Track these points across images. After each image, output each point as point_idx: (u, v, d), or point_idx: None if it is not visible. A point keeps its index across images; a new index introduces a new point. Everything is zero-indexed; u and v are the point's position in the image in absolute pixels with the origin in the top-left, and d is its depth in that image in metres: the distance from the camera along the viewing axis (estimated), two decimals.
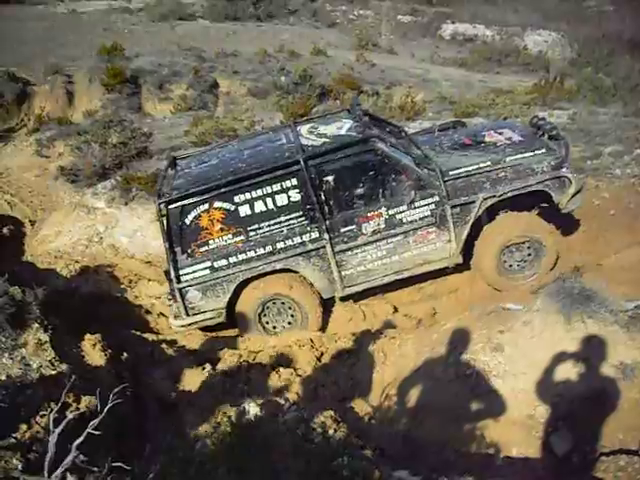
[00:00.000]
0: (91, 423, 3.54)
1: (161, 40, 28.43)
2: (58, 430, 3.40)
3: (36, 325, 5.69)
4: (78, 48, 25.07)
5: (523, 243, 7.85)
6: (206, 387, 6.23)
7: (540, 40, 38.41)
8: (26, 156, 15.40)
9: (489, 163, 7.71)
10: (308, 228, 7.55)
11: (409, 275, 7.95)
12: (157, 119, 18.86)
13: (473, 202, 7.64)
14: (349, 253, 7.68)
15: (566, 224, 8.58)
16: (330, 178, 7.47)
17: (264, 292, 7.77)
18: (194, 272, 7.59)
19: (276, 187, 7.44)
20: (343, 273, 7.75)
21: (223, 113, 17.94)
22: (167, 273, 7.68)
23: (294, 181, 7.42)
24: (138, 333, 7.85)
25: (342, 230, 7.59)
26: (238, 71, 22.83)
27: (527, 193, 7.80)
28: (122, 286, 9.46)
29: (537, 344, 5.34)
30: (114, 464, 3.40)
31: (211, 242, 7.57)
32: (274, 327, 7.96)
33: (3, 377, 4.83)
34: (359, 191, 7.54)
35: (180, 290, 7.60)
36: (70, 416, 3.54)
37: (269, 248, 7.57)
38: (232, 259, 7.58)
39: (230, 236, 7.56)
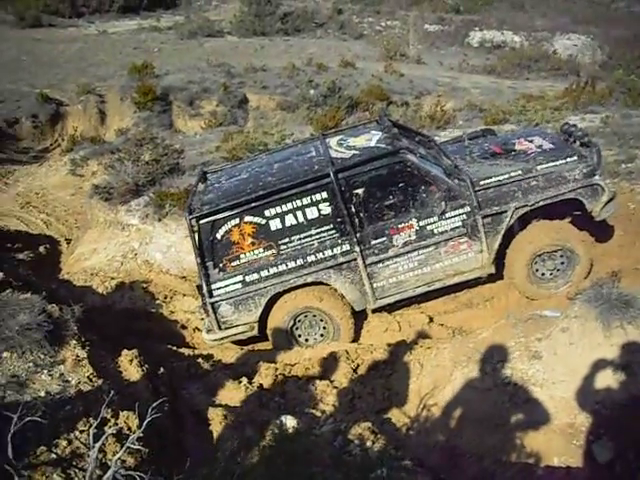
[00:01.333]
0: (130, 438, 3.57)
1: (190, 57, 28.77)
2: (98, 445, 3.42)
3: (74, 342, 5.75)
4: (109, 68, 25.49)
5: (555, 252, 7.75)
6: (243, 401, 6.23)
7: (570, 44, 38.13)
8: (60, 175, 15.67)
9: (520, 172, 7.64)
10: (339, 241, 7.56)
11: (441, 286, 7.90)
12: (188, 135, 19.06)
13: (505, 212, 7.59)
14: (380, 265, 7.66)
15: (602, 229, 8.46)
16: (360, 190, 7.47)
17: (295, 305, 7.78)
18: (226, 286, 7.64)
19: (306, 200, 7.47)
20: (375, 285, 7.73)
21: (253, 128, 18.07)
22: (199, 288, 7.73)
23: (324, 194, 7.44)
24: (174, 348, 7.91)
25: (373, 242, 7.58)
26: (267, 86, 23.01)
27: (560, 201, 7.71)
28: (157, 301, 9.53)
29: (576, 351, 5.26)
30: (154, 477, 3.41)
31: (242, 256, 7.61)
32: (306, 340, 7.96)
33: (42, 393, 4.88)
34: (389, 203, 7.53)
35: (212, 304, 7.66)
36: (109, 431, 3.56)
37: (300, 261, 7.59)
38: (263, 273, 7.62)
39: (261, 250, 7.60)
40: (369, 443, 4.97)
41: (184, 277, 10.17)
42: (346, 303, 7.84)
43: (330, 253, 7.58)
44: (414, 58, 34.18)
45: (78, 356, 5.57)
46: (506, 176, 7.63)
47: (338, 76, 23.16)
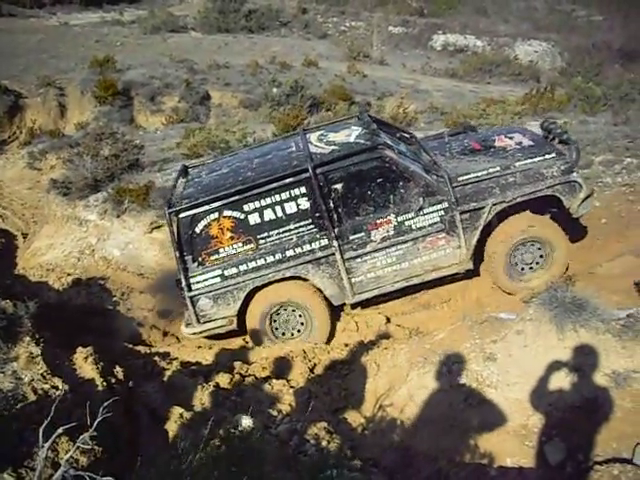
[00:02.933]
0: (81, 437, 3.52)
1: (153, 52, 28.52)
2: (47, 445, 3.37)
3: (27, 338, 5.67)
4: (70, 61, 25.13)
5: (533, 244, 7.85)
6: (199, 399, 6.19)
7: (530, 50, 38.68)
8: (18, 169, 15.41)
9: (498, 168, 7.72)
10: (317, 236, 7.59)
11: (419, 281, 7.94)
12: (149, 131, 18.93)
13: (482, 208, 7.64)
14: (358, 260, 7.69)
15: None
16: (339, 186, 7.51)
17: (272, 299, 7.81)
18: (205, 280, 7.63)
19: (285, 195, 7.49)
20: (353, 280, 7.76)
21: (215, 125, 17.98)
22: (178, 282, 7.70)
23: (303, 189, 7.47)
24: (130, 346, 7.83)
25: (351, 237, 7.61)
26: (230, 83, 22.93)
27: (538, 198, 7.81)
28: (114, 299, 9.43)
29: (530, 353, 5.34)
30: (104, 478, 3.37)
31: (221, 250, 7.62)
32: (283, 334, 7.98)
33: None
34: (368, 198, 7.58)
35: (191, 298, 7.64)
36: (59, 430, 3.51)
37: (279, 256, 7.60)
38: (242, 267, 7.62)
39: (240, 244, 7.61)
40: (325, 443, 4.98)
41: (142, 274, 10.08)
42: (324, 298, 7.86)
43: (308, 248, 7.60)
44: (377, 59, 34.36)
45: (32, 353, 5.48)
46: (484, 172, 7.70)
47: (301, 75, 23.17)
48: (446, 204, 7.57)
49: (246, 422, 5.30)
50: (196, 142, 13.97)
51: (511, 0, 50.71)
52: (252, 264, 7.61)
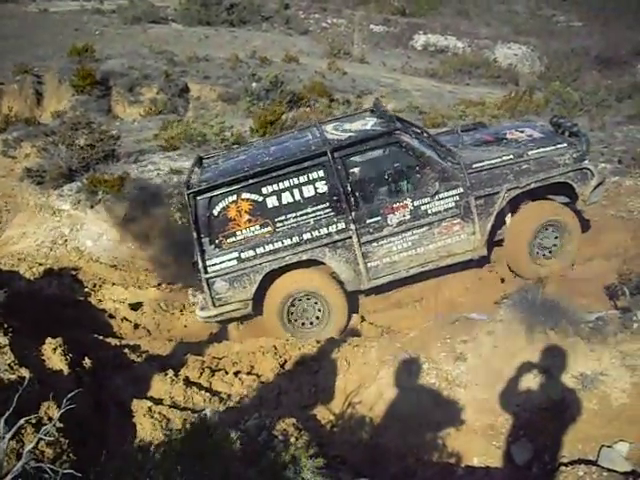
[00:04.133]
0: (43, 428, 3.48)
1: (133, 43, 28.28)
2: (9, 436, 3.33)
3: None
4: (48, 48, 24.85)
5: (550, 228, 8.09)
6: (168, 393, 6.16)
7: (510, 53, 38.93)
8: None
9: (512, 156, 7.92)
10: (334, 219, 7.66)
11: (434, 267, 8.03)
12: (126, 122, 18.77)
13: (497, 193, 7.81)
14: (375, 244, 7.77)
15: None
16: (356, 170, 7.66)
17: (291, 288, 7.83)
18: (222, 262, 7.64)
19: (303, 178, 7.58)
20: (369, 265, 7.82)
21: (193, 118, 17.87)
22: (194, 264, 7.72)
23: (321, 172, 7.58)
24: (101, 337, 7.77)
25: (368, 221, 7.70)
26: (209, 76, 22.81)
27: (548, 187, 8.03)
28: (86, 290, 9.36)
29: (499, 354, 5.38)
30: (66, 471, 3.34)
31: (238, 233, 7.65)
32: (302, 324, 8.00)
33: None
34: (384, 182, 7.73)
35: (207, 280, 7.61)
36: (21, 421, 3.47)
37: (296, 239, 7.64)
38: (259, 250, 7.64)
39: (257, 227, 7.65)
40: (293, 439, 4.96)
41: (114, 266, 10.01)
42: (340, 286, 7.92)
43: (325, 231, 7.66)
44: (358, 57, 34.33)
45: None
46: (498, 160, 7.88)
47: (281, 70, 23.07)
48: (461, 189, 7.75)
49: (214, 416, 5.28)
50: (173, 134, 13.86)
51: (492, 3, 51.02)
52: (269, 247, 7.64)
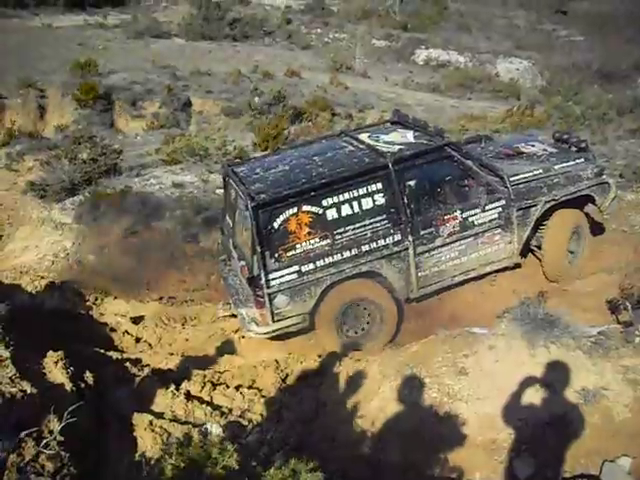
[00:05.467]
0: (44, 442, 3.48)
1: (136, 57, 28.44)
2: (10, 449, 3.33)
3: None
4: (52, 63, 25.01)
5: (575, 235, 8.55)
6: (169, 407, 6.15)
7: (511, 67, 39.03)
8: None
9: (541, 171, 8.34)
10: (392, 231, 7.69)
11: (475, 275, 8.26)
12: (129, 136, 18.84)
13: (536, 205, 8.16)
14: (427, 255, 7.89)
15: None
16: (412, 182, 7.75)
17: (345, 297, 7.77)
18: (282, 276, 7.50)
19: (362, 191, 7.58)
20: (419, 274, 7.92)
21: (195, 132, 17.94)
22: (251, 279, 7.51)
23: (379, 185, 7.60)
24: (102, 351, 7.75)
25: (422, 232, 7.80)
26: (212, 90, 22.93)
27: (569, 200, 8.41)
28: (87, 303, 9.35)
29: (501, 368, 5.37)
30: None
31: (298, 246, 7.53)
32: (355, 332, 7.92)
33: None
34: (437, 195, 7.91)
35: (269, 295, 7.47)
36: (22, 434, 3.47)
37: (355, 251, 7.61)
38: (319, 263, 7.56)
39: (317, 239, 7.56)
40: (293, 454, 4.95)
41: (116, 279, 9.99)
42: (392, 294, 7.93)
43: (383, 243, 7.68)
44: (360, 72, 34.48)
45: (1, 356, 5.41)
46: (531, 174, 8.27)
47: (283, 85, 23.19)
48: (504, 201, 8.02)
49: (216, 431, 5.28)
50: (176, 148, 13.92)
51: (493, 18, 51.24)
52: (329, 259, 7.58)
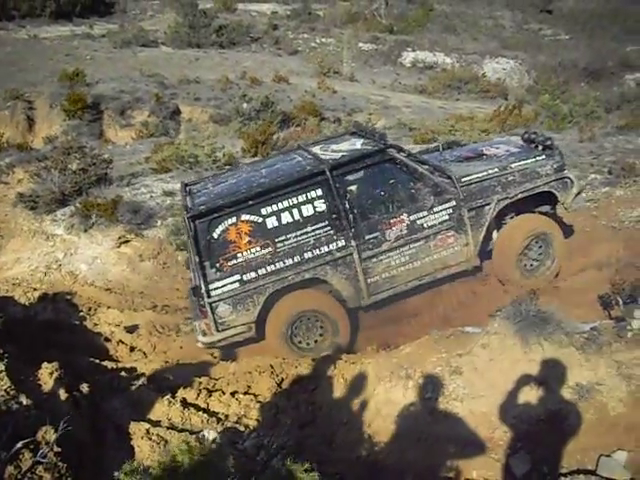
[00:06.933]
0: (40, 452, 3.48)
1: (123, 66, 28.47)
2: (6, 460, 3.33)
3: None
4: (39, 74, 25.02)
5: (537, 240, 8.30)
6: (165, 415, 6.15)
7: (498, 67, 39.23)
8: None
9: (497, 169, 8.19)
10: (334, 237, 7.69)
11: (431, 280, 8.15)
12: (118, 145, 18.85)
13: (488, 204, 8.04)
14: (374, 260, 7.83)
15: None
16: (353, 187, 7.76)
17: (293, 308, 7.77)
18: (224, 286, 7.56)
19: (302, 198, 7.63)
20: (369, 281, 7.87)
21: (185, 139, 17.95)
22: (195, 289, 7.62)
23: (319, 191, 7.64)
24: (97, 361, 7.75)
25: (367, 237, 7.76)
26: (200, 98, 22.98)
27: (530, 198, 8.31)
28: (81, 314, 9.33)
29: (495, 367, 5.39)
30: None
31: (239, 255, 7.60)
32: (307, 344, 7.92)
33: None
34: (381, 199, 7.85)
35: (210, 305, 7.53)
36: (19, 444, 3.47)
37: (297, 258, 7.63)
38: (261, 271, 7.60)
39: (258, 248, 7.62)
40: (291, 458, 4.96)
41: (109, 289, 10.00)
42: (343, 304, 7.92)
43: (326, 249, 7.68)
44: (347, 76, 34.58)
45: None
46: (484, 173, 8.13)
47: (272, 91, 23.28)
48: (454, 202, 7.95)
49: (212, 437, 5.28)
50: (165, 157, 13.93)
51: (479, 18, 51.49)
52: (271, 267, 7.61)
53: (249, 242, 7.60)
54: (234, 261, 7.60)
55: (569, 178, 8.39)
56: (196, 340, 7.96)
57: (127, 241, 10.77)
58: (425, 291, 8.36)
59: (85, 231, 11.10)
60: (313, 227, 7.67)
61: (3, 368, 5.47)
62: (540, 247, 8.33)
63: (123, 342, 8.69)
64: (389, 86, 33.26)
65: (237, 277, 7.58)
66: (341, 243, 7.69)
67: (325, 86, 27.35)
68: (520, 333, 5.39)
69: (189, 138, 18.28)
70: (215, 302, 7.56)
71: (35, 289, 9.97)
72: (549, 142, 8.66)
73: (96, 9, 46.65)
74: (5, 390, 5.20)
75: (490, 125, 17.22)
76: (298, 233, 7.65)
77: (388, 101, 26.80)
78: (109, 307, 9.51)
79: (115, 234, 10.88)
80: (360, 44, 42.99)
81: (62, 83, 22.23)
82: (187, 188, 8.56)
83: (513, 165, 8.26)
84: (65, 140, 15.62)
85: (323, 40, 44.42)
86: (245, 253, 7.61)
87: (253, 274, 7.59)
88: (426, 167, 8.15)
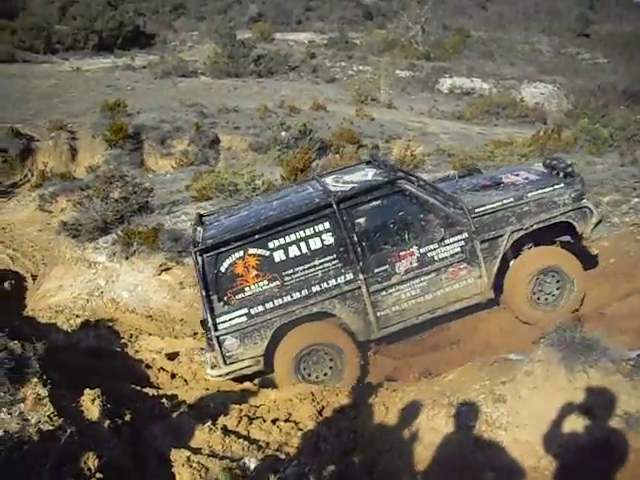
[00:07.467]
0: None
1: (163, 97, 28.95)
2: None
3: (35, 380, 5.64)
4: (82, 105, 25.55)
5: (551, 275, 7.99)
6: (206, 442, 6.14)
7: (536, 92, 39.09)
8: (29, 211, 15.58)
9: (512, 199, 7.93)
10: (342, 270, 7.64)
11: (443, 313, 7.99)
12: (159, 174, 19.11)
13: (501, 236, 7.81)
14: (384, 293, 7.73)
15: None
16: (361, 220, 7.67)
17: (302, 341, 7.74)
18: (231, 319, 7.58)
19: (309, 231, 7.59)
20: (378, 314, 7.76)
21: (224, 168, 18.14)
22: (203, 322, 7.69)
23: (327, 224, 7.60)
24: (138, 388, 7.79)
25: (376, 270, 7.67)
26: (239, 126, 23.21)
27: (550, 228, 8.04)
28: (122, 341, 9.42)
29: (539, 395, 5.29)
30: None
31: (247, 289, 7.61)
32: (317, 377, 7.86)
33: (0, 432, 4.78)
34: (390, 231, 7.72)
35: (218, 338, 7.56)
36: (62, 472, 3.49)
37: (305, 292, 7.61)
38: (268, 305, 7.59)
39: (266, 282, 7.61)
40: None
41: (150, 316, 10.09)
42: (352, 336, 7.83)
43: (334, 282, 7.62)
44: (385, 103, 34.73)
45: (39, 394, 5.46)
46: (499, 203, 7.90)
47: (310, 119, 23.41)
48: (466, 234, 7.75)
49: (253, 465, 5.26)
50: (205, 185, 14.07)
51: (516, 44, 51.49)
52: (278, 301, 7.59)
53: (256, 275, 7.60)
54: (241, 294, 7.61)
55: (588, 208, 8.08)
56: (206, 372, 8.01)
57: (168, 269, 10.87)
58: (466, 317, 8.27)
59: (127, 259, 11.24)
60: (321, 260, 7.63)
61: (46, 394, 5.52)
62: (556, 280, 8.03)
63: (164, 369, 8.74)
64: (427, 113, 33.30)
65: (244, 311, 7.59)
66: (349, 276, 7.63)
67: (363, 113, 27.48)
68: (565, 360, 5.28)
69: (228, 166, 18.47)
70: (222, 335, 7.59)
71: (77, 316, 10.10)
72: (570, 169, 8.40)
73: (137, 41, 47.81)
74: (48, 416, 5.25)
75: (529, 150, 17.09)
76: (306, 266, 7.62)
77: (426, 128, 26.82)
78: (150, 334, 9.58)
79: (156, 262, 10.99)
80: (397, 71, 43.22)
81: (104, 113, 22.69)
82: (202, 219, 8.65)
83: (529, 194, 7.99)
84: (107, 169, 15.91)
85: (360, 68, 44.77)
86: (252, 287, 7.61)
87: (260, 308, 7.59)
88: (438, 197, 8.00)
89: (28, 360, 5.85)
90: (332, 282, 7.62)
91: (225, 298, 7.59)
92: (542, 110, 34.25)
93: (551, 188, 8.07)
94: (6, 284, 11.70)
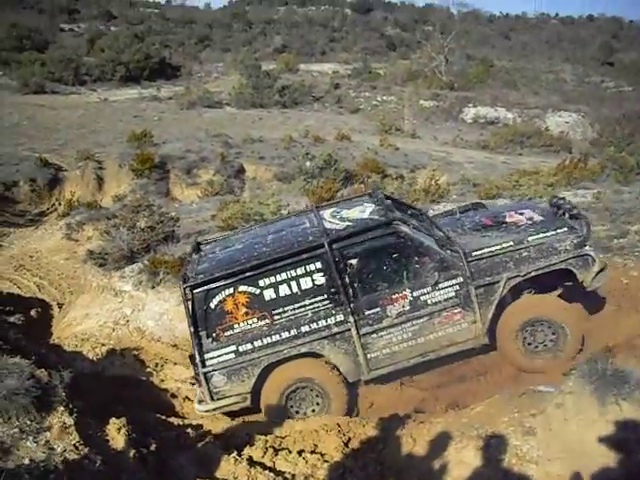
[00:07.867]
0: None
1: (189, 127, 29.27)
2: None
3: (61, 408, 5.65)
4: (109, 135, 25.92)
5: (543, 325, 7.75)
6: (231, 473, 6.10)
7: (561, 121, 38.99)
8: (56, 239, 15.72)
9: (511, 243, 7.73)
10: (333, 311, 7.52)
11: (435, 357, 7.82)
12: (184, 204, 19.24)
13: (497, 282, 7.60)
14: (374, 336, 7.61)
15: (595, 304, 8.48)
16: (354, 261, 7.50)
17: (288, 378, 7.69)
18: (219, 356, 7.55)
19: (300, 271, 7.48)
20: (369, 356, 7.65)
21: (249, 197, 18.28)
22: (192, 357, 7.66)
23: (318, 264, 7.47)
24: (163, 417, 7.78)
25: (367, 313, 7.55)
26: (264, 156, 23.38)
27: (551, 272, 7.77)
28: (148, 369, 9.42)
29: (570, 427, 5.20)
30: None
31: (236, 326, 7.56)
32: (304, 413, 7.79)
33: (27, 461, 4.78)
34: (383, 273, 7.56)
35: (205, 374, 7.55)
36: None
37: (294, 332, 7.53)
38: (257, 343, 7.54)
39: (255, 320, 7.55)
40: None
41: (175, 345, 10.09)
42: (339, 375, 7.73)
43: (324, 323, 7.52)
44: (409, 132, 34.85)
45: (65, 423, 5.46)
46: (498, 247, 7.71)
47: (334, 149, 23.53)
48: (461, 279, 7.57)
49: None
50: (231, 214, 14.14)
51: (540, 73, 51.54)
52: (267, 340, 7.54)
53: (246, 313, 7.54)
54: (230, 332, 7.57)
55: (590, 255, 7.79)
56: (195, 407, 8.00)
57: None
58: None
59: (152, 288, 11.28)
60: (311, 300, 7.53)
61: (72, 423, 5.53)
62: (548, 327, 7.75)
63: (189, 398, 8.72)
64: (451, 142, 33.33)
65: (233, 348, 7.56)
66: (340, 318, 7.53)
67: (387, 143, 27.58)
68: (596, 393, 5.20)
69: (254, 196, 18.59)
70: (210, 372, 7.56)
71: (103, 344, 10.13)
72: (575, 211, 8.24)
73: (163, 72, 48.54)
74: (74, 445, 5.25)
75: (555, 179, 17.01)
76: (296, 306, 7.54)
77: (450, 157, 26.84)
78: (175, 363, 9.58)
79: (180, 291, 11.01)
80: (421, 101, 43.44)
81: (130, 143, 22.99)
82: (199, 247, 8.61)
83: (530, 238, 7.77)
84: (133, 199, 16.08)
85: (384, 98, 45.03)
86: (242, 324, 7.56)
87: (249, 345, 7.54)
88: (435, 239, 7.88)
89: (54, 388, 5.86)
90: (322, 323, 7.53)
91: (214, 334, 7.55)
92: (567, 139, 34.14)
93: (553, 232, 7.86)
94: (33, 312, 11.78)
